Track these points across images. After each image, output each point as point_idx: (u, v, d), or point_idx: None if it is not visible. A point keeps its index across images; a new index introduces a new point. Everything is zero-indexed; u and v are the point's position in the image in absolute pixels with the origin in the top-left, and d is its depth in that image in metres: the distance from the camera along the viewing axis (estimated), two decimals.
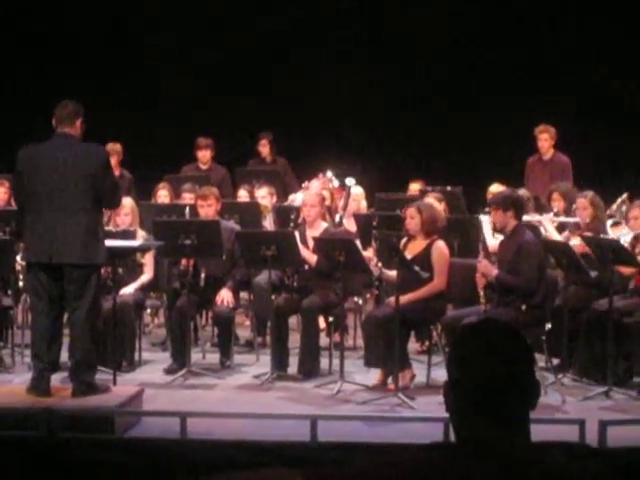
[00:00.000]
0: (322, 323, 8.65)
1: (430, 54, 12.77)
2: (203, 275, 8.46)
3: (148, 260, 8.64)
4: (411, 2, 13.25)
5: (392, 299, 7.58)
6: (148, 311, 9.56)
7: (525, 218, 8.07)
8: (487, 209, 8.58)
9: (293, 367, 8.12)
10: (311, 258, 8.15)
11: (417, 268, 7.55)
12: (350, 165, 10.51)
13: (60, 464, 5.23)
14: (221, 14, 13.12)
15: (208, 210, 8.54)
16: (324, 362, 8.21)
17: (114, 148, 10.93)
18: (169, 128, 12.64)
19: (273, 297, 8.20)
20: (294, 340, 8.38)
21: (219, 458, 5.20)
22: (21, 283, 8.51)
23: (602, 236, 8.24)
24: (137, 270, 8.63)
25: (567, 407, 7.16)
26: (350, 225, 9.40)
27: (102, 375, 7.16)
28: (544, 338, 7.53)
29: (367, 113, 12.79)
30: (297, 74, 12.79)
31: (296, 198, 10.17)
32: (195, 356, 8.39)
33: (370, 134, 12.83)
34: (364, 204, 10.38)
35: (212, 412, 6.48)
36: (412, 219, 7.92)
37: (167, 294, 8.87)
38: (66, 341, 6.91)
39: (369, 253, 8.42)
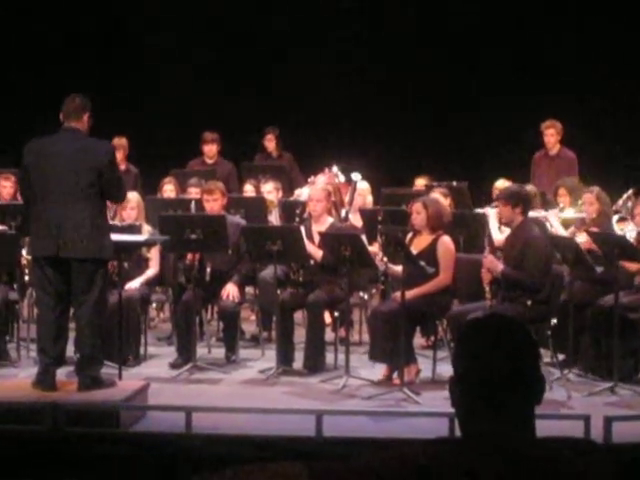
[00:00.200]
0: (328, 318, 8.65)
1: (430, 53, 12.77)
2: (209, 270, 8.46)
3: (154, 255, 8.64)
4: (411, 2, 13.23)
5: (398, 294, 7.58)
6: (154, 305, 9.56)
7: (531, 214, 8.07)
8: (494, 203, 8.58)
9: (298, 362, 8.12)
10: (317, 253, 8.14)
11: (423, 263, 7.54)
12: (356, 160, 10.49)
13: (65, 458, 5.23)
14: (221, 14, 13.11)
15: (214, 205, 8.53)
16: (329, 357, 8.20)
17: (120, 142, 10.95)
18: (169, 128, 12.63)
19: (279, 292, 8.20)
20: (299, 335, 8.38)
21: (224, 453, 5.20)
22: (27, 277, 8.52)
23: (608, 232, 8.24)
24: (143, 265, 8.64)
25: (572, 403, 7.15)
26: (356, 220, 9.38)
27: (108, 369, 7.15)
28: (550, 333, 7.54)
29: (367, 113, 12.77)
30: (297, 74, 12.77)
31: (302, 193, 10.16)
32: (200, 351, 8.39)
33: (370, 134, 12.81)
34: (370, 199, 10.36)
35: (217, 407, 6.46)
36: (418, 214, 7.91)
37: (173, 289, 8.88)
38: (72, 335, 6.92)
39: (375, 248, 8.41)
